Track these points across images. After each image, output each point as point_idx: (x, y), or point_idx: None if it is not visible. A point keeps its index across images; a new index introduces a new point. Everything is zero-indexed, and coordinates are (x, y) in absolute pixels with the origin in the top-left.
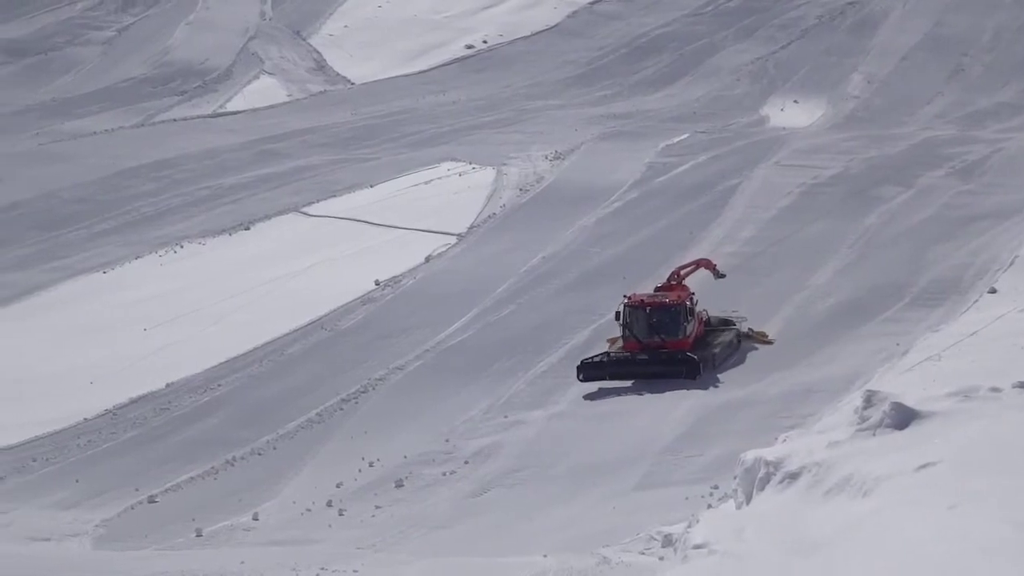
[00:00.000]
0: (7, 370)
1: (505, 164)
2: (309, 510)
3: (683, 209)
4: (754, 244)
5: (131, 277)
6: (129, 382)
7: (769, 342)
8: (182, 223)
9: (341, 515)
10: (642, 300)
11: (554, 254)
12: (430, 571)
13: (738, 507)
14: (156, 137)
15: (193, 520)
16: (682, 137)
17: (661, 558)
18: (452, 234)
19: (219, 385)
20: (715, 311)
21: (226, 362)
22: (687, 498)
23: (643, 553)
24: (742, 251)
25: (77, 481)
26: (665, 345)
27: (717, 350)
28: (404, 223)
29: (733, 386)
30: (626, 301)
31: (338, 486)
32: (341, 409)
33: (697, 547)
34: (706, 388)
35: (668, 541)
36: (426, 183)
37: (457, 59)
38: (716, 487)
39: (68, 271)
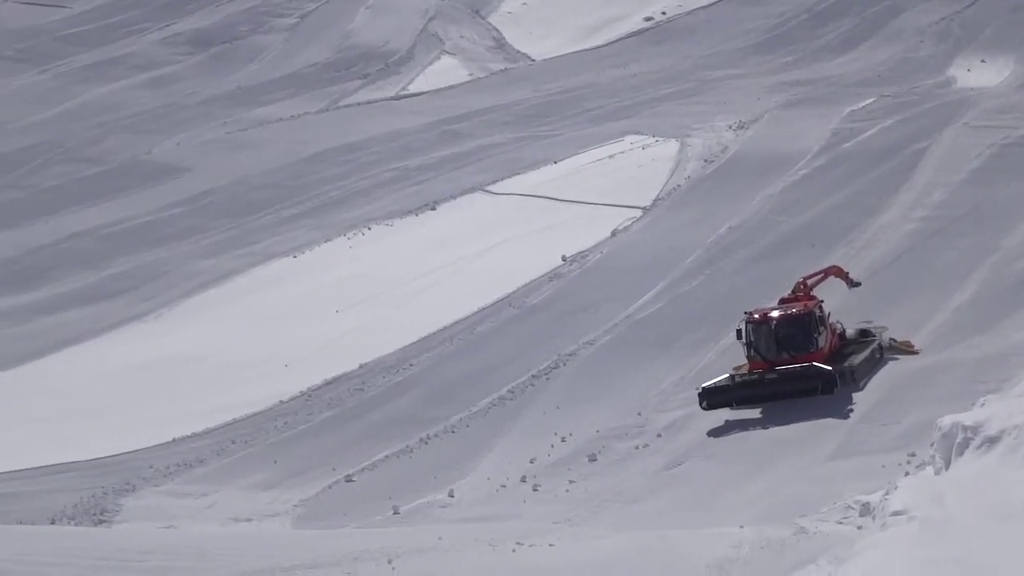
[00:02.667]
0: (203, 356)
1: (688, 135)
2: (504, 486)
3: (871, 175)
4: (944, 208)
5: (321, 260)
6: (323, 364)
7: (915, 352)
8: (369, 205)
9: (535, 490)
10: (766, 314)
11: (741, 224)
12: (626, 545)
13: (937, 473)
14: (341, 121)
15: (390, 498)
16: (867, 102)
17: (859, 527)
18: (637, 207)
19: (411, 364)
20: (853, 324)
21: (417, 341)
22: (884, 466)
23: (840, 522)
24: (933, 215)
25: (275, 462)
26: (795, 360)
27: (856, 362)
28: (589, 198)
29: (929, 351)
30: (747, 317)
31: (531, 462)
32: (532, 385)
33: (896, 514)
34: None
35: (866, 510)
36: (610, 157)
37: (636, 32)
38: (913, 454)
39: (259, 256)
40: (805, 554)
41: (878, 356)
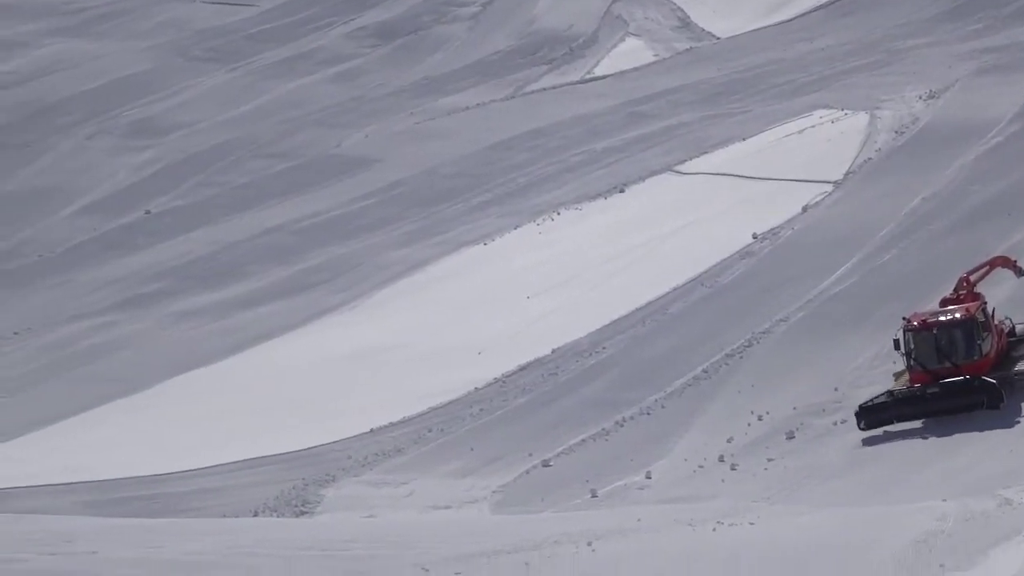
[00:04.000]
0: (398, 346)
1: (878, 107)
2: (701, 466)
3: None
4: None
5: (511, 247)
6: (516, 350)
7: None
8: (557, 190)
9: (733, 470)
10: (924, 320)
11: (934, 195)
12: (828, 521)
13: None
14: (527, 107)
15: (587, 481)
16: None
17: None
18: (828, 182)
19: (604, 348)
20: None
21: (609, 324)
22: None
23: None
24: None
25: (472, 449)
26: (959, 371)
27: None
28: (779, 174)
29: None
30: (905, 324)
31: (729, 441)
32: (727, 364)
33: None
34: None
35: None
36: (799, 132)
37: (823, 5)
38: None
39: (450, 245)
40: (1011, 526)
41: None
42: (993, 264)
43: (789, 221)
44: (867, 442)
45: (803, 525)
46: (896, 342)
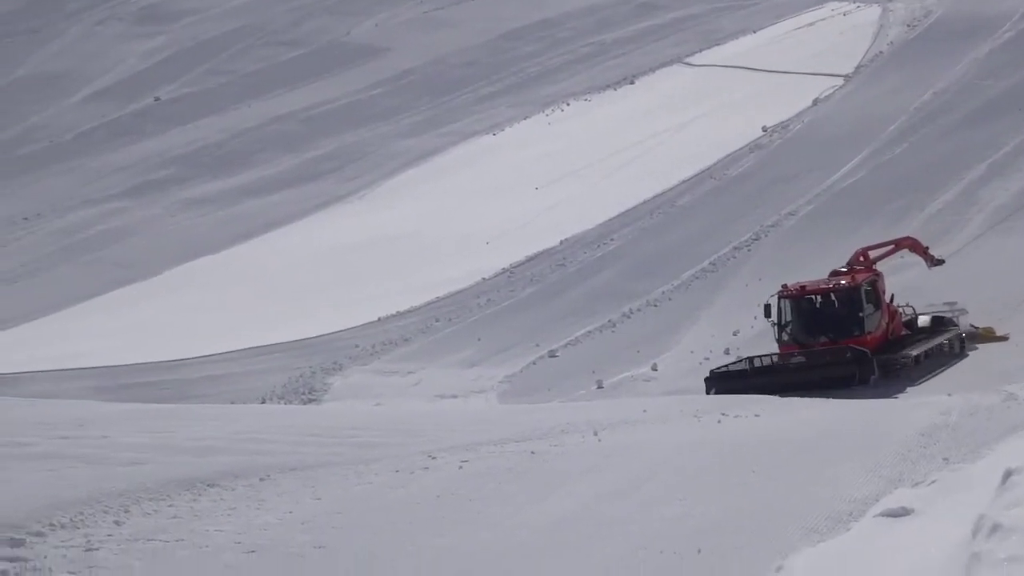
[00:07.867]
0: (406, 235)
1: (890, 0)
2: (707, 359)
3: None
4: None
5: (520, 137)
6: (524, 240)
7: (1002, 338)
8: (567, 81)
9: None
10: (802, 288)
11: (945, 89)
12: (833, 414)
13: None
14: None
15: (593, 372)
16: None
17: None
18: (839, 75)
19: (612, 239)
20: (925, 305)
21: (618, 216)
22: None
23: None
24: None
25: (479, 339)
26: (836, 344)
27: (915, 352)
28: (789, 67)
29: None
30: (781, 291)
31: (735, 334)
32: (734, 257)
33: None
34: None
35: None
36: (809, 25)
37: None
38: None
39: (459, 135)
40: (1016, 420)
41: (958, 346)
42: (899, 245)
43: (799, 114)
44: None
45: (807, 418)
46: (767, 308)
